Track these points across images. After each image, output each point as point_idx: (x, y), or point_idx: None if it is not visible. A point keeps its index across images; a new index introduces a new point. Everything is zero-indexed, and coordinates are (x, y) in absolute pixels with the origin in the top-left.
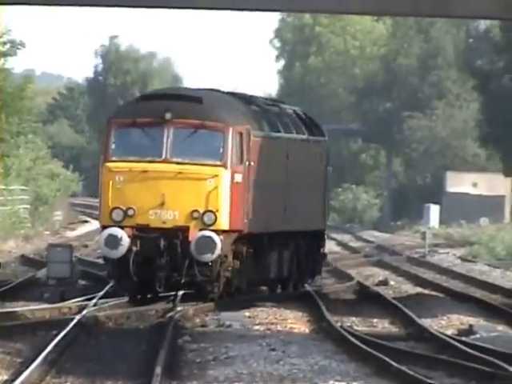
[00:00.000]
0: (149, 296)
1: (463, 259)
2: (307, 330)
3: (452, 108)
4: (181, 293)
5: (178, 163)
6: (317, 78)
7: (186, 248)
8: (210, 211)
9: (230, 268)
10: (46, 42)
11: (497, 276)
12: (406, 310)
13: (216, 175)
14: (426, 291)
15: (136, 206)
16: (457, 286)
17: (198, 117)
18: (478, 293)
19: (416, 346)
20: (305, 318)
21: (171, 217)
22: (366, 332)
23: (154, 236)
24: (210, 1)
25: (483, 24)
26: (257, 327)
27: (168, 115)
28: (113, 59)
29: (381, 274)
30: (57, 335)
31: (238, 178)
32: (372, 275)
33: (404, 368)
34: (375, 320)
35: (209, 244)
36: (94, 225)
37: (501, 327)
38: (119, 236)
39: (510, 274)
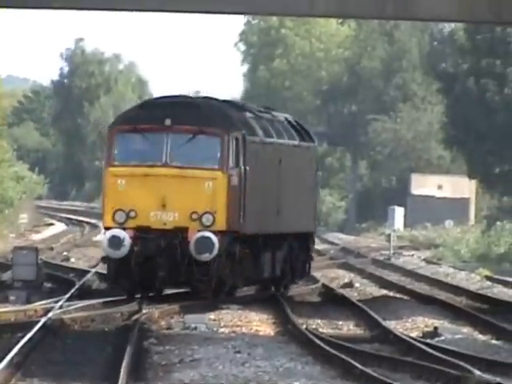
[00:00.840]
0: (150, 295)
1: (428, 261)
2: (272, 333)
3: (417, 111)
4: (150, 295)
5: (177, 167)
6: (282, 80)
7: (185, 248)
8: (209, 213)
9: (226, 267)
10: (11, 45)
11: (461, 278)
12: (371, 313)
13: (214, 178)
14: (391, 293)
15: (138, 208)
16: (422, 288)
17: (196, 123)
18: (443, 295)
19: (381, 349)
20: (270, 321)
21: (171, 218)
22: (331, 334)
23: (155, 237)
24: (180, 4)
25: (448, 27)
26: (222, 330)
27: (168, 122)
28: (78, 62)
29: (346, 276)
30: (22, 338)
31: (235, 181)
32: (337, 277)
33: (369, 370)
34: (340, 322)
35: (207, 244)
36: (59, 227)
37: (465, 329)
38: (122, 237)
39: (475, 276)
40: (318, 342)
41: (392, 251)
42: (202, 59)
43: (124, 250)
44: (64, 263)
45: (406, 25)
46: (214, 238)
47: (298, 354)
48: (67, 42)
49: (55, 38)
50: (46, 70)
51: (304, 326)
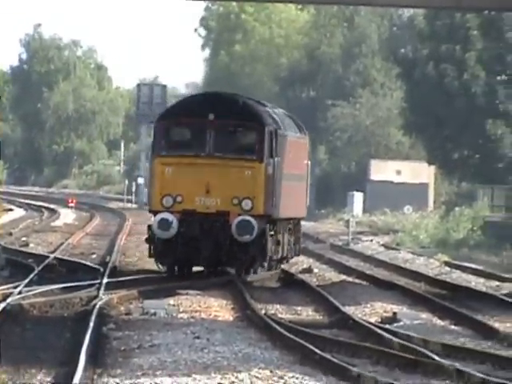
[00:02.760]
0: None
1: (387, 247)
2: (231, 318)
3: (376, 96)
4: (105, 281)
5: (220, 157)
6: (242, 66)
7: (227, 230)
8: (248, 198)
9: (259, 248)
10: None
11: (420, 264)
12: (330, 298)
13: (253, 167)
14: (350, 279)
15: (184, 193)
16: (380, 273)
17: (236, 117)
18: (402, 280)
19: (340, 334)
20: (229, 306)
21: (214, 203)
22: (290, 320)
23: (199, 219)
24: None
25: (407, 12)
26: (181, 315)
27: (211, 116)
28: (37, 47)
29: (305, 261)
30: None
31: (270, 170)
32: (296, 263)
33: (328, 355)
34: (299, 308)
35: (248, 227)
36: (18, 213)
37: (424, 315)
38: (170, 220)
39: (434, 261)
40: (276, 327)
41: (351, 237)
42: (161, 45)
43: (172, 232)
44: (23, 248)
45: (366, 10)
46: (254, 222)
47: (256, 340)
48: (25, 27)
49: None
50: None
51: (263, 312)
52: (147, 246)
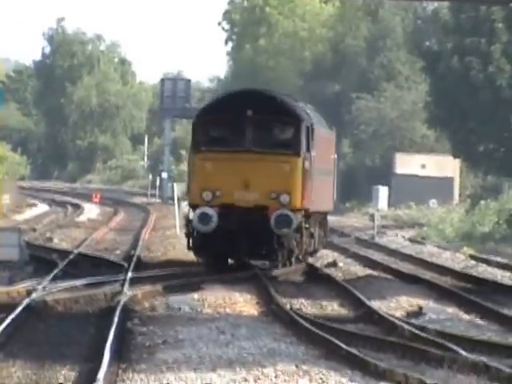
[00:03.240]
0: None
1: (412, 241)
2: (256, 313)
3: (401, 90)
4: (129, 277)
5: (258, 152)
6: (266, 60)
7: (266, 223)
8: (286, 192)
9: (297, 241)
10: None
11: (446, 258)
12: (356, 292)
13: (291, 162)
14: (375, 273)
15: (223, 188)
16: (406, 267)
17: (274, 113)
18: (428, 275)
19: (365, 328)
20: (254, 301)
21: (253, 197)
22: (316, 314)
23: (239, 213)
24: None
25: (431, 5)
26: (206, 310)
27: (249, 111)
28: (60, 42)
29: (330, 255)
30: (5, 319)
31: (307, 165)
32: (321, 257)
33: (353, 350)
34: (324, 302)
35: (286, 220)
36: (42, 208)
37: (450, 309)
38: (210, 214)
39: (459, 255)
40: (302, 322)
41: (376, 230)
42: (185, 39)
43: (212, 225)
44: (47, 244)
45: (390, 3)
46: (293, 215)
47: (282, 335)
48: (49, 21)
49: (36, 17)
50: (28, 50)
51: (288, 306)
52: (172, 240)
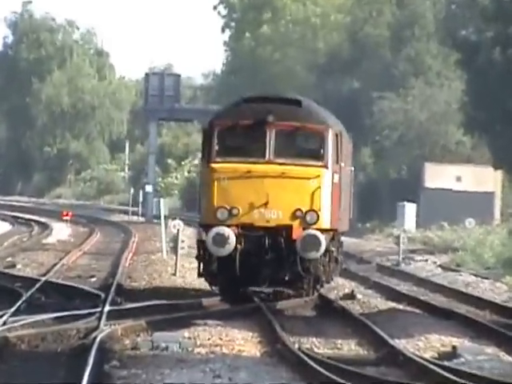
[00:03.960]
0: (253, 289)
1: (445, 268)
2: (258, 354)
3: (431, 87)
4: (106, 309)
5: (280, 164)
6: (270, 52)
7: (290, 246)
8: (313, 211)
9: (324, 266)
10: None
11: (485, 288)
12: (377, 329)
13: (318, 175)
14: (401, 306)
15: (240, 205)
16: (437, 299)
17: (299, 119)
18: (463, 308)
19: (388, 373)
20: (255, 339)
21: (275, 216)
22: (329, 355)
23: (259, 234)
24: None
25: None
26: (198, 350)
27: (270, 118)
28: (25, 29)
29: (346, 285)
30: None
31: (336, 178)
32: (336, 287)
33: None
34: (339, 341)
35: (315, 242)
36: (3, 227)
37: (489, 349)
38: (226, 235)
39: (501, 285)
40: (312, 364)
41: (402, 256)
42: (174, 26)
43: (229, 248)
44: (9, 270)
45: None
46: (321, 237)
47: (289, 379)
48: (12, 4)
49: None
50: None
51: (296, 346)
52: (157, 267)
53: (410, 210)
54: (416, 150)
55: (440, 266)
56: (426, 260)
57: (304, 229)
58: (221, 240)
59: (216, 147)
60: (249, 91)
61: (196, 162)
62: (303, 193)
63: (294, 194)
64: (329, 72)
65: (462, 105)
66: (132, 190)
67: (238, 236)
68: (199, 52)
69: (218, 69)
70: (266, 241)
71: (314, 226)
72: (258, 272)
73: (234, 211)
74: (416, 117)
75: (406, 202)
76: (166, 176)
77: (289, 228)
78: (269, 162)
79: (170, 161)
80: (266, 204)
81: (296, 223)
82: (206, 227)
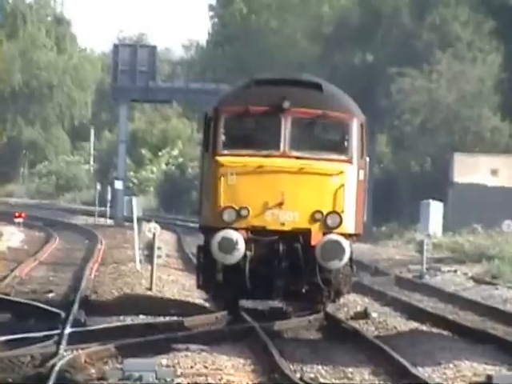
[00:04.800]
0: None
1: (478, 280)
2: None
3: (461, 62)
4: (67, 331)
5: (298, 158)
6: (266, 18)
7: (308, 253)
8: (335, 212)
9: (346, 276)
10: None
11: None
12: (395, 355)
13: (341, 172)
14: (424, 327)
15: (251, 205)
16: (468, 319)
17: (319, 106)
18: (500, 329)
19: None
20: (248, 367)
21: (290, 218)
22: None
23: (272, 239)
24: None
25: None
26: (179, 380)
27: (286, 104)
28: None
29: (359, 302)
30: None
31: (361, 175)
32: (346, 304)
33: None
34: (350, 369)
35: (336, 249)
36: None
37: None
38: (234, 239)
39: None
40: None
41: (426, 266)
42: None
43: (237, 255)
44: None
45: None
46: (345, 243)
47: None
48: None
49: None
50: None
51: (298, 376)
52: (129, 279)
53: (435, 210)
54: (443, 138)
55: (472, 278)
56: (455, 271)
57: (324, 233)
58: (228, 245)
59: (222, 138)
60: (239, 66)
61: (175, 152)
62: (324, 192)
63: (313, 193)
64: (336, 44)
65: (498, 83)
66: (98, 187)
67: (247, 241)
68: (179, 19)
69: (203, 39)
70: (280, 247)
71: (336, 231)
72: (271, 283)
73: (243, 212)
74: (443, 98)
75: (430, 201)
76: (139, 169)
77: (307, 232)
78: (284, 156)
79: (144, 151)
80: (280, 204)
81: (315, 227)
82: (210, 231)
